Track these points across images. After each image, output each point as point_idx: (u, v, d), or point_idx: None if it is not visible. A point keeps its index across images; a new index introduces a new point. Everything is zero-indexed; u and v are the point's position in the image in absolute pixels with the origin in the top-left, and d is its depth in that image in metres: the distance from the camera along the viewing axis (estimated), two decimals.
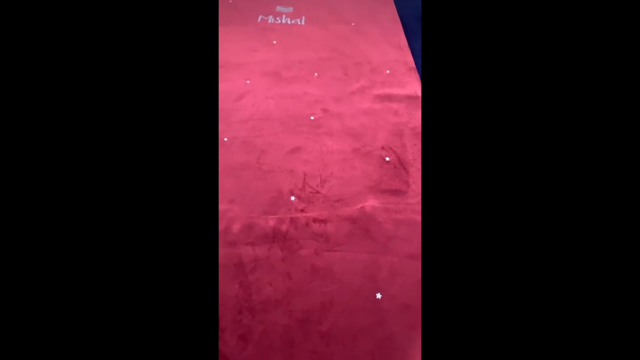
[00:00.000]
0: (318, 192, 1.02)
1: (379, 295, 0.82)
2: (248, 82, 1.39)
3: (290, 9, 1.90)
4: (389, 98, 1.36)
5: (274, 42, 1.64)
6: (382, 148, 1.16)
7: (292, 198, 1.00)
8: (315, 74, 1.46)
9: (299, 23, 1.80)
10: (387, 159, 1.13)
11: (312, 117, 1.26)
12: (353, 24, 1.81)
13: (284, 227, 0.93)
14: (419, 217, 0.97)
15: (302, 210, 0.97)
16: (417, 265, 0.87)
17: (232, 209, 0.96)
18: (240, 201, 0.98)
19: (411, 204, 1.00)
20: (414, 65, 1.53)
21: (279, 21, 1.80)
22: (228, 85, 1.38)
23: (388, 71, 1.50)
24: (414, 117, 1.28)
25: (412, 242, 0.92)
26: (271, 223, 0.94)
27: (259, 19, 1.80)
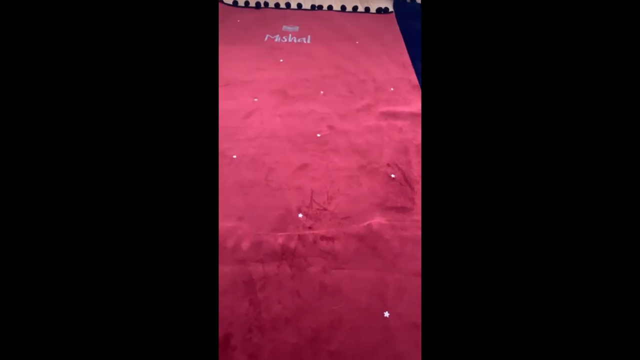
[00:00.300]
0: (325, 209, 1.04)
1: (386, 314, 0.82)
2: (256, 100, 1.43)
3: (297, 28, 1.96)
4: (394, 115, 1.39)
5: (281, 60, 1.69)
6: (388, 165, 1.18)
7: (300, 215, 1.02)
8: (321, 91, 1.50)
9: (305, 42, 1.85)
10: (393, 175, 1.15)
11: (318, 135, 1.29)
12: (357, 42, 1.86)
13: (292, 245, 0.95)
14: None
15: (309, 228, 0.99)
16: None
17: (241, 226, 0.98)
18: (249, 218, 1.00)
19: (417, 221, 1.02)
20: (418, 83, 1.57)
21: (286, 40, 1.86)
22: (236, 103, 1.42)
23: (392, 89, 1.53)
24: (419, 134, 1.31)
25: (418, 259, 0.93)
26: (280, 240, 0.95)
27: (266, 38, 1.86)
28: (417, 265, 0.92)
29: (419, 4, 2.25)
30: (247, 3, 2.15)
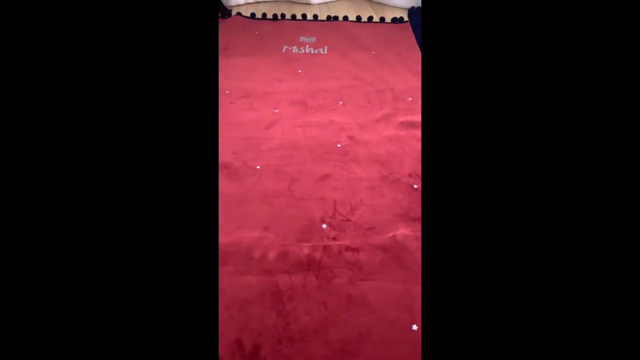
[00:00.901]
0: (349, 220, 1.05)
1: (414, 327, 0.82)
2: (276, 111, 1.46)
3: (313, 39, 1.99)
4: (413, 125, 1.39)
5: (299, 71, 1.72)
6: (410, 175, 1.19)
7: (324, 226, 1.03)
8: (340, 102, 1.52)
9: (322, 52, 1.88)
10: (415, 186, 1.15)
11: (338, 145, 1.30)
12: (373, 52, 1.88)
13: (317, 255, 0.95)
14: None
15: (334, 239, 1.00)
16: None
17: (267, 236, 0.99)
18: (274, 228, 1.02)
19: None
20: None
21: (303, 51, 1.89)
22: (257, 114, 1.44)
23: (410, 98, 1.54)
24: None
25: None
26: (305, 251, 0.96)
27: (284, 49, 1.90)
28: None
29: None
30: (264, 15, 2.20)
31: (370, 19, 2.18)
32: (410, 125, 1.39)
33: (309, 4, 2.36)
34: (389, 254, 0.96)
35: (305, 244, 0.98)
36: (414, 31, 2.08)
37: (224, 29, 2.04)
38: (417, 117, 1.43)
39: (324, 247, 0.97)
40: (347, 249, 0.97)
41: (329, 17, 2.20)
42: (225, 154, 1.25)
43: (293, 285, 0.89)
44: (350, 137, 1.34)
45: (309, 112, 1.46)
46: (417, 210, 1.08)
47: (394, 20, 2.17)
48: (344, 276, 0.91)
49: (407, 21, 2.17)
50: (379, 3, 2.39)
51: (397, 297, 0.87)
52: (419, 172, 1.20)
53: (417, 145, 1.30)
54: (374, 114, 1.46)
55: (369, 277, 0.91)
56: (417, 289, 0.89)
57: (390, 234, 1.01)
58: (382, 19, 2.18)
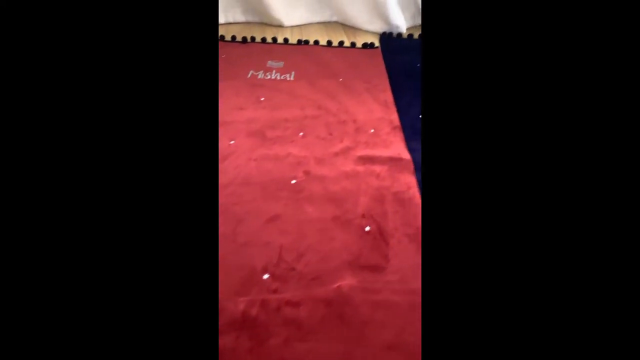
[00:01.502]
0: (293, 269, 0.98)
1: None
2: (232, 142, 1.40)
3: (281, 64, 1.96)
4: (372, 160, 1.35)
5: (262, 99, 1.67)
6: (363, 216, 1.14)
7: (265, 276, 0.96)
8: (300, 133, 1.47)
9: (288, 79, 1.84)
10: (367, 228, 1.10)
11: (293, 181, 1.25)
12: (341, 79, 1.85)
13: (254, 312, 0.88)
14: (398, 298, 0.92)
15: (274, 291, 0.93)
16: (395, 357, 0.81)
17: None
18: None
19: (390, 282, 0.96)
20: (399, 124, 1.54)
21: (269, 77, 1.85)
22: None
23: (372, 130, 1.51)
24: (397, 181, 1.27)
25: (389, 328, 0.87)
26: (241, 307, 0.89)
27: (249, 75, 1.85)
28: (388, 336, 0.85)
29: (405, 39, 2.27)
30: (234, 37, 2.17)
31: (341, 43, 2.17)
32: (368, 160, 1.35)
33: (281, 26, 2.35)
34: (331, 309, 0.90)
35: (242, 299, 0.91)
36: (384, 57, 2.07)
37: None
38: (377, 152, 1.40)
39: (262, 301, 0.90)
40: (287, 303, 0.90)
41: (299, 41, 2.18)
42: None
43: (222, 347, 0.81)
44: (307, 172, 1.29)
45: (266, 144, 1.41)
46: (367, 257, 1.02)
47: (365, 45, 2.16)
48: (280, 336, 0.84)
49: (377, 47, 2.17)
50: (352, 27, 2.39)
51: None
52: (373, 212, 1.15)
53: (374, 182, 1.26)
54: (333, 147, 1.41)
55: (307, 336, 0.85)
56: (359, 352, 0.82)
57: (336, 285, 0.94)
58: (353, 44, 2.17)
